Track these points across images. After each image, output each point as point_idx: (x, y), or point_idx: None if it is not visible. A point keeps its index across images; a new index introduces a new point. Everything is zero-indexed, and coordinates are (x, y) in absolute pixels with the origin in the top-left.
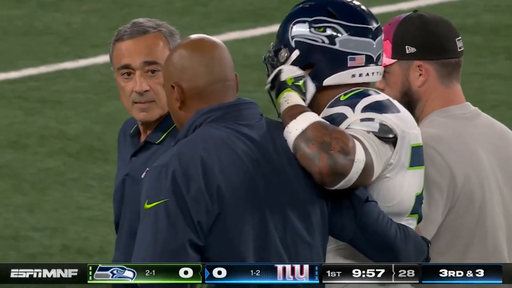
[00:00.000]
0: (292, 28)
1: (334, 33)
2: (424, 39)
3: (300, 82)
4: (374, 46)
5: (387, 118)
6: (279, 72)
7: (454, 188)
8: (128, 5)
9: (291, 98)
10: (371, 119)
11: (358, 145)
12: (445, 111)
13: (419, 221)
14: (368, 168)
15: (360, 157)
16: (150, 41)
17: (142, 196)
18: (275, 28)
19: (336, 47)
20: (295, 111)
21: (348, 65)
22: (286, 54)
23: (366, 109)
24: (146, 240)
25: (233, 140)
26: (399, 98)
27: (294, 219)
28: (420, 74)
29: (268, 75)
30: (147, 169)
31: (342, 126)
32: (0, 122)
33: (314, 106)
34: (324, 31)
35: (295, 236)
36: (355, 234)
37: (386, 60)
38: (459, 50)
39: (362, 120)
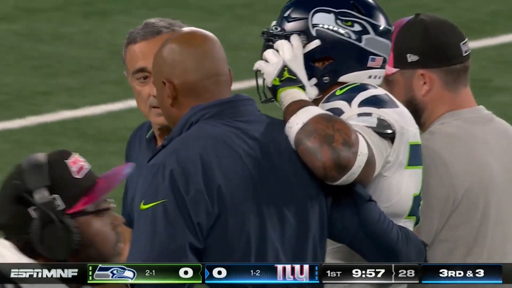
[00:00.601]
0: (314, 15)
1: (362, 30)
2: (426, 47)
3: (285, 74)
4: (390, 49)
5: (385, 113)
6: (261, 78)
7: (453, 199)
8: None
9: (285, 98)
10: (369, 114)
11: (361, 138)
12: (457, 113)
13: (416, 223)
14: (370, 163)
15: (363, 150)
16: None
17: (137, 196)
18: (485, 42)
19: (362, 44)
20: (294, 107)
21: (368, 65)
22: (304, 42)
23: (363, 103)
24: (142, 242)
25: (231, 137)
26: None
27: (291, 219)
28: (424, 83)
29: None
30: None
31: None
32: None
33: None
34: (352, 25)
35: (292, 237)
36: (355, 235)
37: (388, 69)
38: (464, 54)
39: (360, 115)
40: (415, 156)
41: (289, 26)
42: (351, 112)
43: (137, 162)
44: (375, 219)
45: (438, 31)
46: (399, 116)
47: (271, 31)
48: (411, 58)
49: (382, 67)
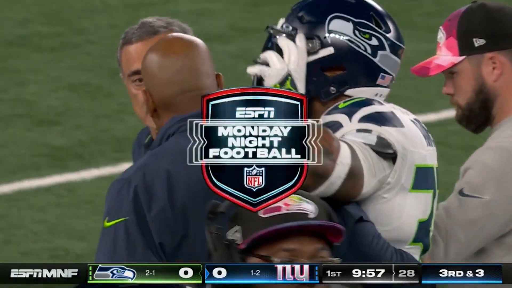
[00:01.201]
0: (331, 21)
1: (379, 45)
2: (492, 28)
3: (287, 84)
4: (398, 68)
5: (387, 132)
6: (261, 79)
7: None
8: None
9: None
10: (368, 131)
11: (344, 147)
12: None
13: (424, 251)
14: (355, 175)
15: (344, 159)
16: None
17: (104, 211)
18: None
19: (376, 60)
20: None
21: (377, 82)
22: (317, 47)
23: (364, 119)
24: (102, 261)
25: None
26: (473, 97)
27: None
28: (494, 68)
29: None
30: None
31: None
32: None
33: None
34: (369, 39)
35: None
36: (344, 257)
37: (454, 58)
38: None
39: (358, 130)
40: (423, 179)
41: (302, 27)
42: (350, 127)
43: None
44: (367, 241)
45: (501, 13)
46: (403, 136)
47: (281, 29)
48: (478, 42)
49: (388, 86)
